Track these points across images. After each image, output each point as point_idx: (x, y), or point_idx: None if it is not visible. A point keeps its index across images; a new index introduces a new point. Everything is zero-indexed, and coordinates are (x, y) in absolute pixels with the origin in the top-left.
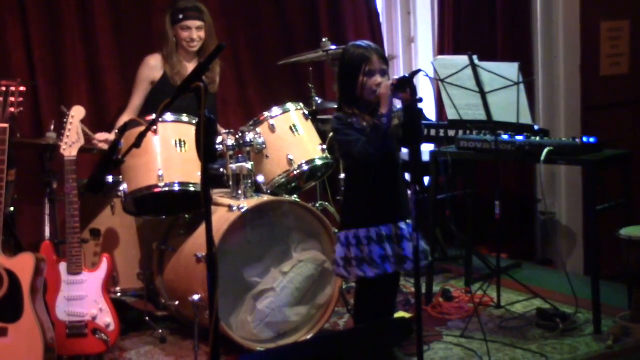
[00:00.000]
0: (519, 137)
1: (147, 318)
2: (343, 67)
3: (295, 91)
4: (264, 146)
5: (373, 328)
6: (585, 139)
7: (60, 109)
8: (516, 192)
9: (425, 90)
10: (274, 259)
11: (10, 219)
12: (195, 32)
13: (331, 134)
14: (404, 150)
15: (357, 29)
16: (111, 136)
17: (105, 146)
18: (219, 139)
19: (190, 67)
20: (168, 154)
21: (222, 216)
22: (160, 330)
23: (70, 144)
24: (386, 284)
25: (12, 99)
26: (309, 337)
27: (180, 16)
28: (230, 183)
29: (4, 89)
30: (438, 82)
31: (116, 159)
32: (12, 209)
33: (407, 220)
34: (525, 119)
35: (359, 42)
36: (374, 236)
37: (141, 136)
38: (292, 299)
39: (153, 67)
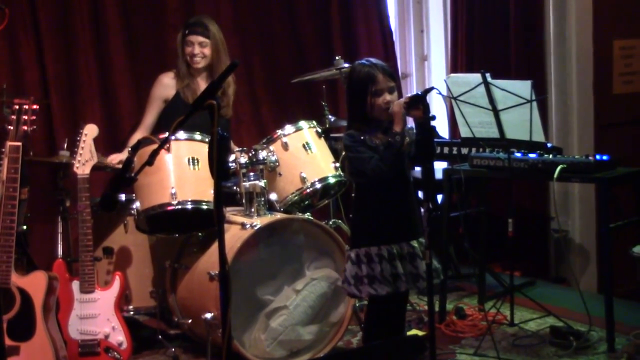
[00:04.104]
0: (532, 155)
1: (160, 336)
2: (351, 86)
3: (308, 109)
4: (277, 164)
5: (386, 346)
6: (598, 157)
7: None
8: (529, 210)
9: (438, 107)
10: (287, 276)
11: (23, 237)
12: (197, 47)
13: (344, 152)
14: (417, 168)
15: (370, 47)
16: (123, 155)
17: (119, 165)
18: (232, 157)
19: (203, 84)
20: (181, 171)
21: (235, 234)
22: (173, 349)
23: (83, 162)
24: (397, 302)
25: (25, 117)
26: (322, 355)
27: (186, 31)
28: (243, 201)
29: (17, 107)
30: (451, 99)
31: (129, 177)
32: (24, 227)
33: (420, 239)
34: (538, 136)
35: (364, 60)
36: (385, 254)
37: (154, 154)
38: (305, 317)
39: (166, 85)
